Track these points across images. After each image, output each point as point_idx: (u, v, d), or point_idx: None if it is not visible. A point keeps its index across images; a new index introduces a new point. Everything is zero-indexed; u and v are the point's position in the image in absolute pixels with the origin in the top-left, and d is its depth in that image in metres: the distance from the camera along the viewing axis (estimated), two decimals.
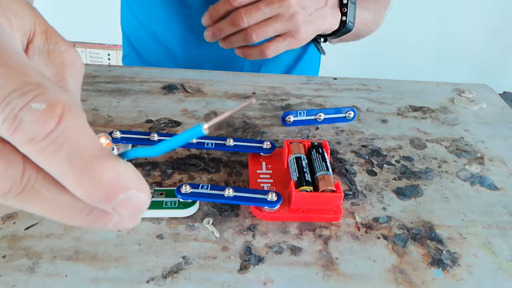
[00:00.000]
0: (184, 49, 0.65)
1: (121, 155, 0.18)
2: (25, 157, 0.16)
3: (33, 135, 0.15)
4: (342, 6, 0.57)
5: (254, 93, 0.48)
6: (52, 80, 0.18)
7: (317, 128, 0.43)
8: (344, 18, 0.57)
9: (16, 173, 0.16)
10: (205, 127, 0.17)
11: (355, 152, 0.40)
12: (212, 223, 0.31)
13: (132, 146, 0.37)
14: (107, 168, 0.16)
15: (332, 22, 0.56)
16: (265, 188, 0.34)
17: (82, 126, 0.16)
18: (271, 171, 0.36)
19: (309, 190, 0.31)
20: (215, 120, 0.17)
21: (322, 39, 0.62)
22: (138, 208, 0.17)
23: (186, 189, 0.31)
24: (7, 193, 0.16)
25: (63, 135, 0.15)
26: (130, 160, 0.18)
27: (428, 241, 0.31)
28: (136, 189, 0.16)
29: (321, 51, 0.64)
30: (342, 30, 0.58)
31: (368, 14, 0.62)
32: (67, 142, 0.15)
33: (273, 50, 0.52)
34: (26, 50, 0.20)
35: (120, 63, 0.78)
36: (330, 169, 0.33)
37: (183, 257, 0.29)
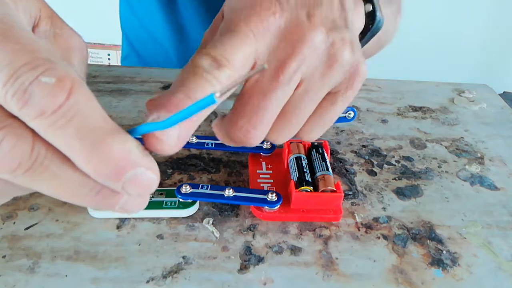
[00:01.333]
0: (178, 50, 0.65)
1: (131, 132, 0.18)
2: (34, 133, 0.16)
3: (42, 109, 0.15)
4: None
5: None
6: (60, 57, 0.18)
7: None
8: (369, 7, 0.34)
9: (25, 149, 0.16)
10: (217, 95, 0.16)
11: (355, 152, 0.40)
12: (212, 223, 0.31)
13: None
14: (117, 144, 0.16)
15: (352, 20, 0.32)
16: (265, 188, 0.34)
17: (91, 100, 0.16)
18: (271, 171, 0.36)
19: (309, 190, 0.31)
20: (226, 88, 0.17)
21: None
22: (147, 187, 0.17)
23: (186, 189, 0.31)
24: (16, 169, 0.15)
25: (73, 109, 0.15)
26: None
27: (428, 241, 0.31)
28: (145, 167, 0.16)
29: None
30: (372, 28, 0.35)
31: (388, 9, 0.43)
32: (77, 116, 0.15)
33: (318, 134, 0.29)
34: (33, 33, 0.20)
35: (120, 63, 0.78)
36: (330, 169, 0.33)
37: (183, 257, 0.29)
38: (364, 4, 0.35)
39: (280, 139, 0.26)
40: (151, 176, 0.17)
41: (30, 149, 0.16)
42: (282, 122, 0.25)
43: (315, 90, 0.25)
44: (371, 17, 0.35)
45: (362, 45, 0.36)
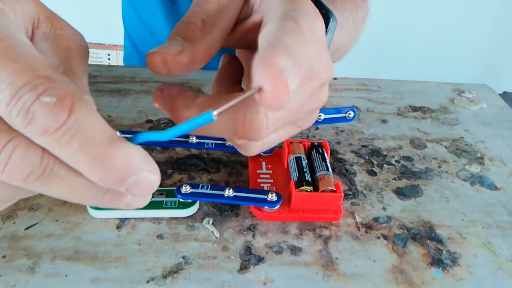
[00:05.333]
0: None
1: (131, 140, 0.19)
2: (41, 146, 0.16)
3: (46, 128, 0.15)
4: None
5: None
6: (59, 70, 0.19)
7: (317, 128, 0.43)
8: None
9: (36, 157, 0.16)
10: (215, 114, 0.17)
11: (355, 152, 0.40)
12: (212, 223, 0.31)
13: None
14: (119, 154, 0.16)
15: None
16: (265, 188, 0.34)
17: (92, 115, 0.17)
18: (271, 171, 0.36)
19: (309, 190, 0.31)
20: (224, 107, 0.18)
21: None
22: (149, 189, 0.18)
23: (186, 189, 0.31)
24: (28, 176, 0.16)
25: (75, 126, 0.16)
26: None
27: (428, 241, 0.31)
28: (147, 171, 0.17)
29: None
30: None
31: (344, 35, 0.48)
32: (79, 132, 0.16)
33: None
34: (32, 36, 0.20)
35: (120, 63, 0.78)
36: (330, 169, 0.33)
37: (183, 257, 0.29)
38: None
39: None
40: (152, 178, 0.17)
41: (40, 157, 0.16)
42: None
43: None
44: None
45: None
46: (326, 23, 0.34)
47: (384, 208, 0.34)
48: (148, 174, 0.17)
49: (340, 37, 0.47)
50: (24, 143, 0.16)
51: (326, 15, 0.35)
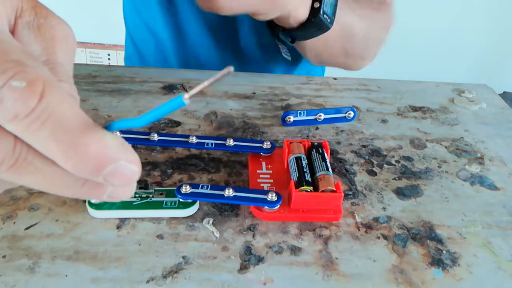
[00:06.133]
0: (178, 52, 0.65)
1: (107, 127, 0.18)
2: (14, 134, 0.16)
3: (15, 113, 0.15)
4: None
5: (254, 93, 0.48)
6: (34, 56, 0.18)
7: (317, 128, 0.43)
8: (317, 4, 0.40)
9: (8, 145, 0.16)
10: (186, 97, 0.17)
11: (355, 152, 0.40)
12: (212, 223, 0.31)
13: (132, 146, 0.37)
14: (93, 142, 0.16)
15: (297, 5, 0.39)
16: (265, 188, 0.34)
17: (65, 101, 0.16)
18: (271, 171, 0.36)
19: (309, 190, 0.31)
20: (195, 90, 0.18)
21: (287, 38, 0.43)
22: (129, 178, 0.17)
23: (186, 189, 0.31)
24: (0, 165, 0.16)
25: (45, 112, 0.15)
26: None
27: (428, 241, 0.31)
28: (125, 160, 0.17)
29: (284, 53, 0.47)
30: (314, 22, 0.41)
31: (358, 20, 0.46)
32: (50, 119, 0.15)
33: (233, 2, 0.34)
34: (14, 25, 0.19)
35: (120, 63, 0.78)
36: (330, 169, 0.33)
37: (183, 257, 0.29)
38: (313, 2, 0.40)
39: None
40: (131, 168, 0.17)
41: (13, 145, 0.16)
42: None
43: None
44: (315, 12, 0.40)
45: (301, 37, 0.42)
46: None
47: (384, 208, 0.34)
48: (126, 164, 0.16)
49: (352, 19, 0.45)
50: None
51: None
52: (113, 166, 0.16)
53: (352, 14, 0.46)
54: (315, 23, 0.41)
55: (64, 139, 0.16)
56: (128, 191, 0.19)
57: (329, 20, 0.41)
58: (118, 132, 0.36)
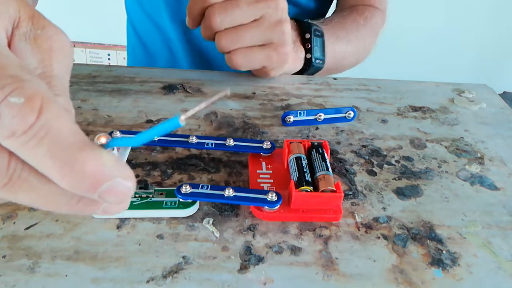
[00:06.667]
0: (184, 46, 0.65)
1: (103, 146, 0.18)
2: (9, 150, 0.16)
3: (13, 130, 0.15)
4: (306, 42, 0.48)
5: (254, 93, 0.48)
6: (31, 71, 0.18)
7: (317, 128, 0.43)
8: (309, 55, 0.48)
9: (2, 164, 0.16)
10: (182, 119, 0.17)
11: (355, 152, 0.40)
12: (212, 223, 0.31)
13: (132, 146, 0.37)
14: (90, 160, 0.16)
15: (294, 60, 0.46)
16: (265, 188, 0.34)
17: (62, 118, 0.16)
18: (271, 171, 0.36)
19: (309, 190, 0.31)
20: (191, 112, 0.18)
21: None
22: (124, 195, 0.17)
23: (186, 189, 0.31)
24: None
25: (43, 128, 0.15)
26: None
27: (428, 241, 0.31)
28: (121, 177, 0.17)
29: None
30: (309, 69, 0.49)
31: (346, 45, 0.53)
32: (47, 136, 0.15)
33: (243, 60, 0.42)
34: (11, 36, 0.19)
35: (120, 63, 0.78)
36: (330, 169, 0.33)
37: (183, 257, 0.29)
38: (305, 53, 0.48)
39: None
40: (127, 184, 0.17)
41: (7, 163, 0.16)
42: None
43: None
44: (308, 62, 0.48)
45: (307, 75, 0.50)
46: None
47: (384, 208, 0.34)
48: (122, 181, 0.16)
49: (341, 46, 0.53)
50: None
51: (308, 29, 0.47)
52: (109, 184, 0.16)
53: (341, 43, 0.52)
54: (310, 69, 0.49)
55: (61, 156, 0.15)
56: (122, 207, 0.19)
57: (321, 62, 0.49)
58: (118, 133, 0.36)
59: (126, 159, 0.35)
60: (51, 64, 0.19)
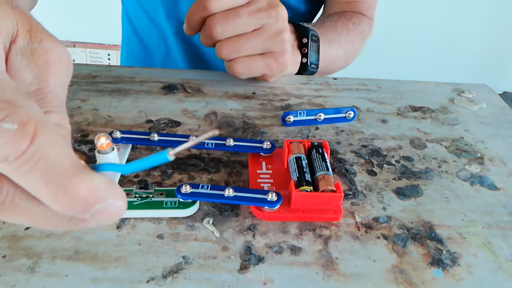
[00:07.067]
0: (180, 44, 0.65)
1: (94, 168, 0.19)
2: (1, 173, 0.16)
3: (6, 155, 0.15)
4: (302, 46, 0.49)
5: (254, 93, 0.48)
6: (31, 88, 0.18)
7: (317, 128, 0.43)
8: (304, 60, 0.49)
9: None
10: (171, 154, 0.18)
11: (355, 152, 0.40)
12: (212, 223, 0.31)
13: (132, 147, 0.37)
14: (83, 183, 0.16)
15: (292, 64, 0.47)
16: (265, 188, 0.34)
17: (56, 142, 0.16)
18: (271, 171, 0.36)
19: (309, 190, 0.31)
20: (179, 149, 0.18)
21: None
22: (116, 214, 0.17)
23: (186, 189, 0.31)
24: None
25: (36, 154, 0.15)
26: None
27: (428, 241, 0.31)
28: (113, 198, 0.17)
29: None
30: (303, 74, 0.50)
31: (337, 48, 0.55)
32: (40, 161, 0.15)
33: (244, 69, 0.43)
34: (8, 52, 0.19)
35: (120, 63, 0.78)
36: (330, 169, 0.33)
37: (183, 257, 0.29)
38: (301, 57, 0.49)
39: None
40: (118, 205, 0.17)
41: (0, 188, 0.16)
42: None
43: None
44: (304, 66, 0.50)
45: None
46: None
47: (384, 208, 0.34)
48: (114, 201, 0.17)
49: (333, 50, 0.54)
50: None
51: (306, 34, 0.48)
52: (101, 205, 0.16)
53: (333, 47, 0.54)
54: (304, 73, 0.50)
55: (54, 182, 0.15)
56: (113, 221, 0.19)
57: (315, 67, 0.50)
58: (118, 133, 0.36)
59: (126, 158, 0.35)
60: (47, 80, 0.19)
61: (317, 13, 0.71)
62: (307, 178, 0.32)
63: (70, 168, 0.16)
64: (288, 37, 0.43)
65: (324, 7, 0.67)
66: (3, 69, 0.18)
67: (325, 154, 0.35)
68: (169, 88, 0.48)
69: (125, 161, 0.35)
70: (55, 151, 0.16)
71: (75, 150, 0.37)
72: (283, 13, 0.41)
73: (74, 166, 0.16)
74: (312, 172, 0.33)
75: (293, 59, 0.47)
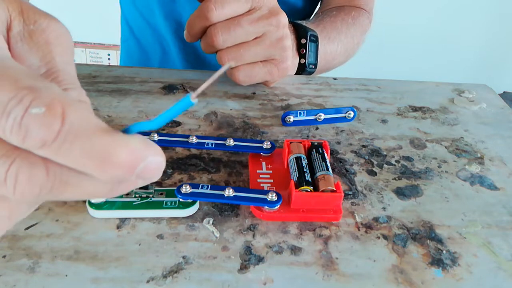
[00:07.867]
0: (177, 44, 0.65)
1: (125, 131, 0.19)
2: (46, 158, 0.16)
3: (43, 140, 0.15)
4: (301, 47, 0.49)
5: (254, 93, 0.48)
6: (41, 71, 0.18)
7: (317, 128, 0.43)
8: (303, 60, 0.49)
9: (41, 174, 0.16)
10: (193, 96, 0.18)
11: (355, 152, 0.40)
12: (212, 223, 0.31)
13: None
14: (122, 148, 0.16)
15: (291, 65, 0.47)
16: (265, 188, 0.34)
17: (85, 117, 0.16)
18: (271, 171, 0.36)
19: (309, 190, 0.32)
20: (201, 89, 0.18)
21: None
22: (158, 170, 0.17)
23: (186, 189, 0.31)
24: (39, 193, 0.16)
25: (71, 132, 0.15)
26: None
27: (428, 241, 0.31)
28: (152, 155, 0.17)
29: None
30: (301, 74, 0.51)
31: (337, 45, 0.55)
32: (78, 137, 0.15)
33: (246, 76, 0.43)
34: (8, 39, 0.19)
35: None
36: (330, 169, 0.33)
37: (183, 257, 0.29)
38: (300, 58, 0.49)
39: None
40: (159, 160, 0.17)
41: (45, 172, 0.16)
42: None
43: None
44: (302, 67, 0.50)
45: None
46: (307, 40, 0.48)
47: (384, 208, 0.34)
48: (153, 158, 0.17)
49: (332, 47, 0.54)
50: (26, 161, 0.16)
51: (305, 34, 0.48)
52: (143, 164, 0.17)
53: (332, 44, 0.54)
54: (302, 74, 0.50)
55: (95, 153, 0.16)
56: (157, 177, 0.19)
57: (313, 67, 0.50)
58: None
59: None
60: (53, 59, 0.19)
61: (315, 8, 0.70)
62: (307, 178, 0.32)
63: (105, 137, 0.16)
64: (289, 43, 0.43)
65: (321, 1, 0.67)
66: (11, 58, 0.18)
67: (325, 154, 0.35)
68: (169, 88, 0.48)
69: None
70: (87, 125, 0.16)
71: None
72: (284, 20, 0.41)
73: (109, 134, 0.16)
74: (312, 172, 0.33)
75: (292, 61, 0.48)
